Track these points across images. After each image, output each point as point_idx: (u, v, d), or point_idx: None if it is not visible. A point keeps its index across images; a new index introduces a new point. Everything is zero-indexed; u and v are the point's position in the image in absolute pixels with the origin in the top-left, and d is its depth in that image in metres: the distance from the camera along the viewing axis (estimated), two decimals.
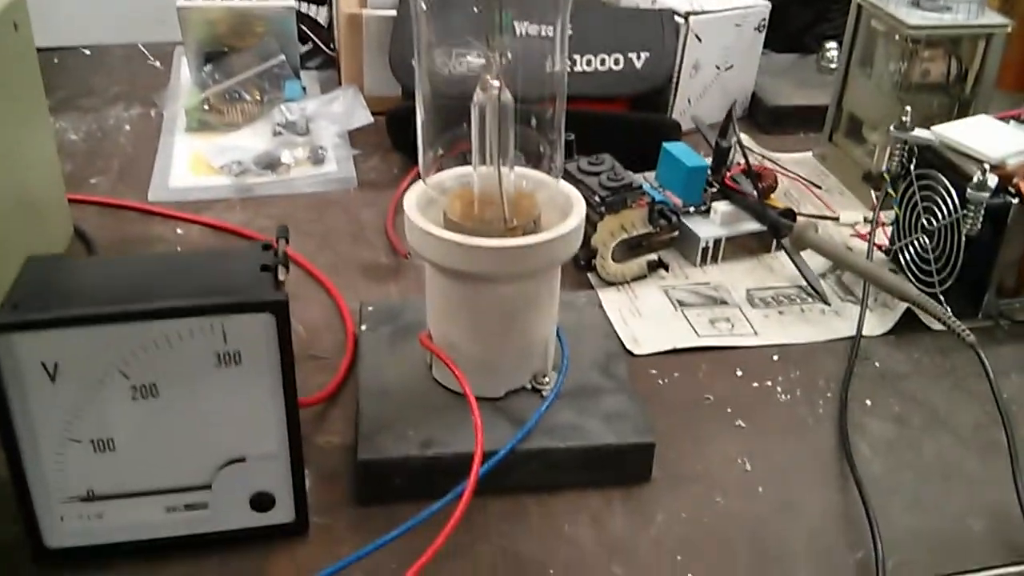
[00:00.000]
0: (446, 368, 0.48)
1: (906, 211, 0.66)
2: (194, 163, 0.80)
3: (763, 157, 0.82)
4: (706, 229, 0.67)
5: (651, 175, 0.71)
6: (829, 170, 0.83)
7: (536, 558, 0.44)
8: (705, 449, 0.51)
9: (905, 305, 0.61)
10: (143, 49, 1.05)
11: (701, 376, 0.57)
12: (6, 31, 0.58)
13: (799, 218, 0.67)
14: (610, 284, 0.65)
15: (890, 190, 0.68)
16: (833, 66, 0.96)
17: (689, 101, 0.87)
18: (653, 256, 0.66)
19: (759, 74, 0.92)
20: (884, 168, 0.71)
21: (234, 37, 0.88)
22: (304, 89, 0.89)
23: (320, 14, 1.00)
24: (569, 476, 0.48)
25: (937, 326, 0.61)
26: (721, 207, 0.68)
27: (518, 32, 0.46)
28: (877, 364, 0.59)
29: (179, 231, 0.72)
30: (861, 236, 0.71)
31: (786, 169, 0.79)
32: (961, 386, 0.57)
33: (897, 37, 0.74)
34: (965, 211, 0.59)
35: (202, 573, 0.43)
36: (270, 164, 0.79)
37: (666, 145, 0.70)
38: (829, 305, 0.64)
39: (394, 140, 0.83)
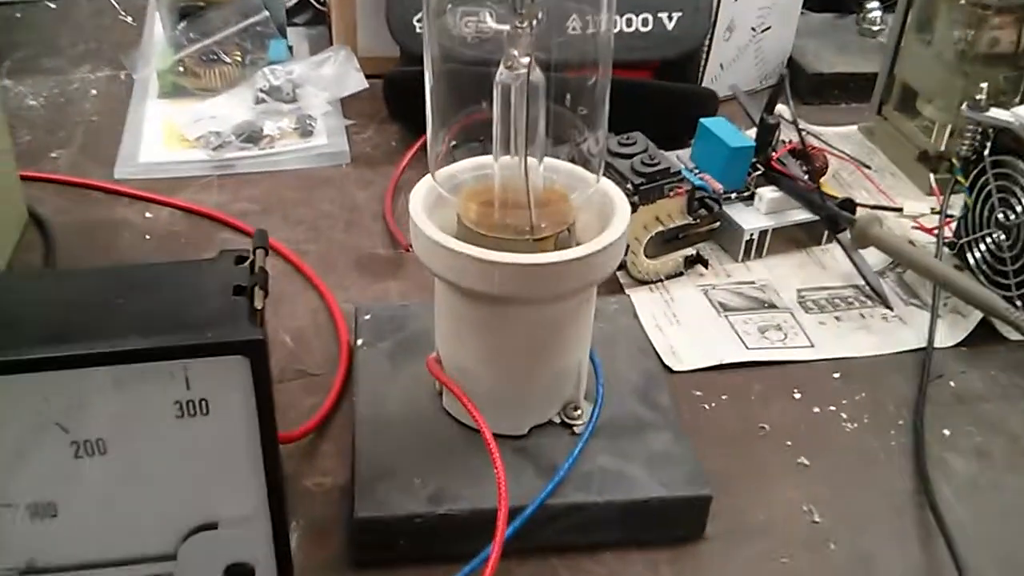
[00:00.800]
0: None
1: (977, 202, 0.58)
2: (167, 134, 0.71)
3: (806, 132, 0.73)
4: (750, 219, 0.59)
5: (683, 154, 0.63)
6: (877, 147, 0.74)
7: None
8: (766, 495, 0.43)
9: (980, 314, 0.53)
10: (114, 3, 0.95)
11: (753, 399, 0.49)
12: None
13: (859, 210, 0.59)
14: (642, 283, 0.57)
15: (959, 177, 0.59)
16: (876, 28, 0.87)
17: (721, 67, 0.78)
18: (691, 251, 0.57)
19: (796, 37, 0.82)
20: (942, 148, 0.63)
21: None
22: (290, 49, 0.80)
23: None
24: (607, 534, 0.40)
25: (1015, 336, 0.53)
26: (767, 194, 0.59)
27: None
28: (952, 384, 0.51)
29: (148, 215, 0.63)
30: (923, 228, 0.63)
31: (832, 147, 0.71)
32: None
33: (963, 1, 0.65)
34: None
35: None
36: (252, 136, 0.70)
37: (704, 121, 0.61)
38: (891, 310, 0.56)
39: (392, 108, 0.74)
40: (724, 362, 0.51)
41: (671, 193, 0.55)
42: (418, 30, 0.71)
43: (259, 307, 0.34)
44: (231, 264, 0.36)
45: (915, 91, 0.72)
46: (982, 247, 0.57)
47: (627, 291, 0.56)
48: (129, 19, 0.92)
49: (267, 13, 0.78)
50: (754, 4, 0.76)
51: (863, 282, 0.58)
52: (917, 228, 0.63)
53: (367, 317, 0.49)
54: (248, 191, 0.66)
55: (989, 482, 0.45)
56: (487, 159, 0.41)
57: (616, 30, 0.71)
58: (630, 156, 0.55)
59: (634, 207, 0.54)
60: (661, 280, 0.57)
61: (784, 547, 0.41)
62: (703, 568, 0.40)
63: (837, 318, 0.55)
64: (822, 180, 0.63)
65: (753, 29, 0.78)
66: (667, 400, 0.45)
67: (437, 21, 0.39)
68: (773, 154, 0.61)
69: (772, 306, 0.56)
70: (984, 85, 0.57)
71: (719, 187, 0.59)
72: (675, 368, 0.50)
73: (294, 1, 0.89)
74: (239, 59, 0.77)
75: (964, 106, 0.58)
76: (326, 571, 0.39)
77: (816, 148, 0.65)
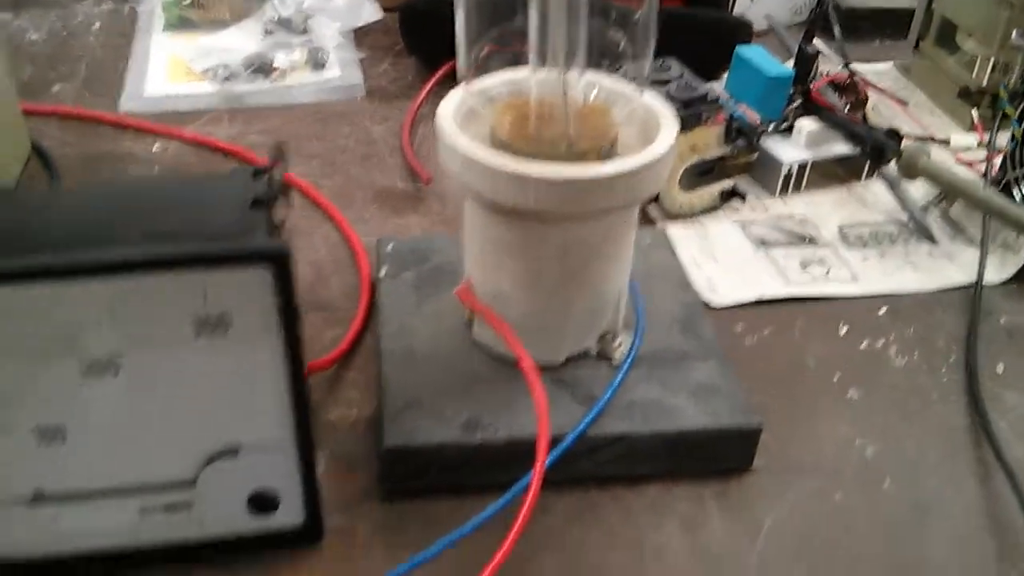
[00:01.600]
0: (489, 327, 0.38)
1: None
2: (173, 68, 0.68)
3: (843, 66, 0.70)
4: (789, 152, 0.56)
5: (715, 86, 0.59)
6: (915, 84, 0.71)
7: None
8: (814, 430, 0.41)
9: None
10: None
11: (797, 334, 0.46)
12: None
13: (904, 141, 0.56)
14: (675, 217, 0.54)
15: (1007, 109, 0.57)
16: None
17: None
18: (727, 183, 0.55)
19: None
20: (984, 84, 0.60)
21: None
22: None
23: None
24: (650, 466, 0.38)
25: None
26: (807, 125, 0.56)
27: None
28: (1002, 321, 0.49)
29: (155, 148, 0.60)
30: (966, 162, 0.60)
31: (868, 82, 0.68)
32: None
33: None
34: None
35: None
36: (262, 68, 0.67)
37: (740, 49, 0.58)
38: (936, 244, 0.53)
39: (408, 42, 0.70)
40: (765, 297, 0.48)
41: (708, 121, 0.52)
42: None
43: (280, 219, 0.32)
44: (247, 178, 0.34)
45: (955, 25, 0.68)
46: None
47: (661, 226, 0.53)
48: None
49: None
50: None
51: (906, 217, 0.55)
52: (960, 163, 0.60)
53: (389, 248, 0.47)
54: (259, 124, 0.63)
55: None
56: (522, 73, 0.38)
57: None
58: (665, 82, 0.52)
59: None
60: (695, 215, 0.54)
61: (836, 484, 0.39)
62: (752, 503, 0.37)
63: (880, 254, 0.52)
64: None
65: None
66: (709, 331, 0.42)
67: None
68: (812, 85, 0.58)
69: (813, 241, 0.53)
70: None
71: (756, 117, 0.56)
72: (714, 303, 0.48)
73: None
74: None
75: (1014, 34, 0.55)
76: (354, 503, 0.36)
77: (854, 80, 0.62)
